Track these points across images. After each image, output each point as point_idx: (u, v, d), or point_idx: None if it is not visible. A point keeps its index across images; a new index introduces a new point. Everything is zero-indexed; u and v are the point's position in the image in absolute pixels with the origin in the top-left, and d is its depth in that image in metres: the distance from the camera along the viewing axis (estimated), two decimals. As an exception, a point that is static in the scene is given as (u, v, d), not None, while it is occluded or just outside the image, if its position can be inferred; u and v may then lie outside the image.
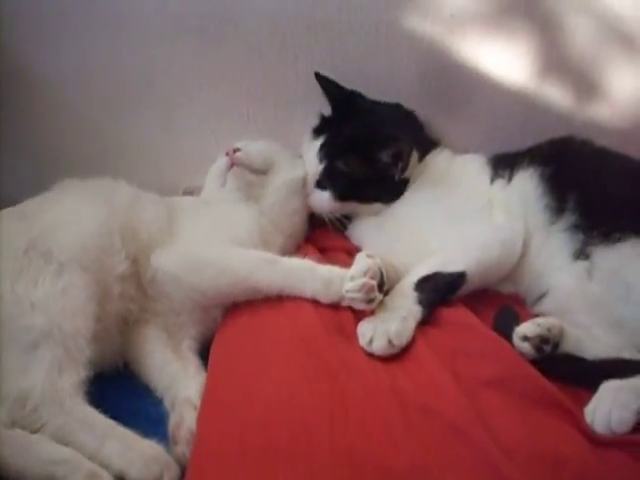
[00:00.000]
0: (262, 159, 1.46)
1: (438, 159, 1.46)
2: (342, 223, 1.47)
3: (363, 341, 1.09)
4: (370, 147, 1.38)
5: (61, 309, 1.08)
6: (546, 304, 1.24)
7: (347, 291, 1.13)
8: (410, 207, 1.40)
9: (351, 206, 1.45)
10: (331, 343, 1.09)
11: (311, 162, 1.45)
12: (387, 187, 1.42)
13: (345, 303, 1.17)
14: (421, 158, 1.45)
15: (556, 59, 1.48)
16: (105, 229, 1.23)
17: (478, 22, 1.45)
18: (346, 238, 1.50)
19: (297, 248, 1.46)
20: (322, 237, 1.51)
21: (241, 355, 1.10)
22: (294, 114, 1.56)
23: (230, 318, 1.21)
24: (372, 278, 1.12)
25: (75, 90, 1.57)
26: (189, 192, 1.56)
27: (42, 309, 1.06)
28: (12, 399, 1.00)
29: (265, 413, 0.96)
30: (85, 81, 1.56)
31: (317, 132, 1.48)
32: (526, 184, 1.32)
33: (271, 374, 1.03)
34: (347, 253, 1.44)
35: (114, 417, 1.04)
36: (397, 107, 1.49)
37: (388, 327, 1.09)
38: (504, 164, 1.39)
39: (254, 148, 1.47)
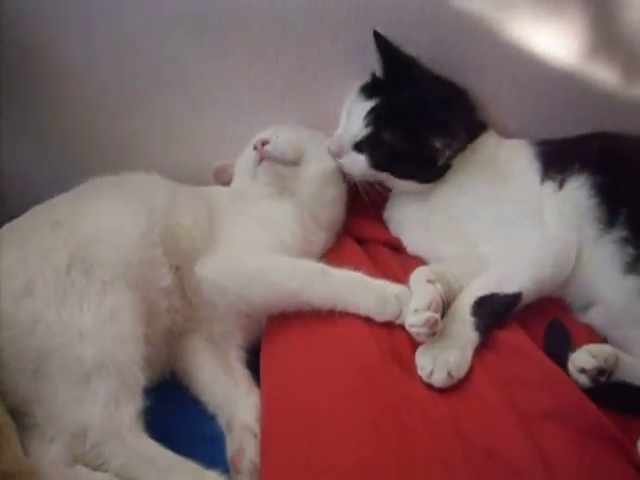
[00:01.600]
0: (292, 150, 1.40)
1: (485, 146, 1.41)
2: (374, 189, 1.43)
3: (423, 373, 1.09)
4: (423, 127, 1.33)
5: (111, 336, 1.05)
6: (594, 316, 1.25)
7: (411, 325, 1.12)
8: (456, 204, 1.37)
9: (384, 177, 1.40)
10: (390, 374, 1.09)
11: (354, 123, 1.38)
12: (426, 168, 1.38)
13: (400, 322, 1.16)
14: (468, 143, 1.40)
15: (605, 38, 1.40)
16: (147, 241, 1.18)
17: (529, 2, 1.36)
18: (384, 227, 1.48)
19: (337, 239, 1.44)
20: (361, 227, 1.48)
21: (297, 381, 1.10)
22: (331, 96, 1.48)
23: (278, 330, 1.20)
24: (436, 311, 1.11)
25: (105, 73, 1.48)
26: (220, 172, 1.52)
27: (91, 338, 1.03)
28: (70, 434, 1.00)
29: (331, 453, 0.97)
30: (115, 63, 1.47)
31: (367, 93, 1.41)
32: (578, 193, 1.28)
33: (333, 409, 1.04)
34: (388, 245, 1.43)
35: (168, 436, 1.04)
36: (451, 85, 1.43)
37: (447, 358, 1.09)
38: (554, 165, 1.34)
39: (283, 139, 1.40)
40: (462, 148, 1.33)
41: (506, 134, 1.48)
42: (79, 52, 1.45)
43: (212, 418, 1.16)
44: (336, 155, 1.40)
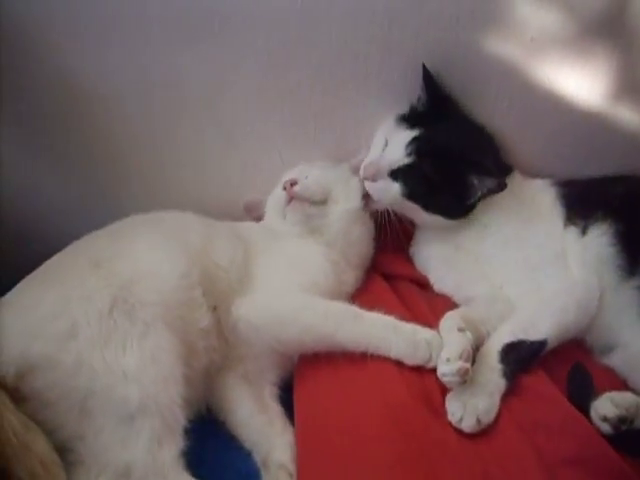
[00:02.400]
0: (320, 190, 1.43)
1: (510, 188, 1.40)
2: (396, 223, 1.45)
3: (453, 419, 1.13)
4: (464, 164, 1.36)
5: (153, 378, 1.08)
6: (615, 359, 1.28)
7: (443, 375, 1.15)
8: (482, 245, 1.41)
9: (410, 208, 1.43)
10: (421, 418, 1.13)
11: (395, 150, 1.39)
12: (455, 204, 1.40)
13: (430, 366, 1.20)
14: (498, 190, 1.40)
15: (630, 81, 1.43)
16: (186, 282, 1.22)
17: (559, 45, 1.39)
18: (411, 263, 1.51)
19: (366, 276, 1.47)
20: (388, 263, 1.52)
21: (330, 424, 1.13)
22: (360, 133, 1.51)
23: (310, 371, 1.23)
24: (467, 360, 1.14)
25: (136, 105, 1.51)
26: (251, 206, 1.55)
27: (135, 379, 1.06)
28: (114, 473, 1.03)
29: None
30: (146, 96, 1.49)
31: (408, 122, 1.42)
32: (601, 241, 1.31)
33: (365, 451, 1.07)
34: (414, 282, 1.47)
35: (204, 471, 1.08)
36: (483, 129, 1.46)
37: (476, 405, 1.13)
38: (577, 209, 1.38)
39: (311, 180, 1.44)
40: (495, 191, 1.35)
41: (531, 173, 1.51)
42: (108, 84, 1.48)
43: (248, 454, 1.21)
44: (370, 179, 1.42)
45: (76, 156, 1.56)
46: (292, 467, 1.14)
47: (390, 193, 1.41)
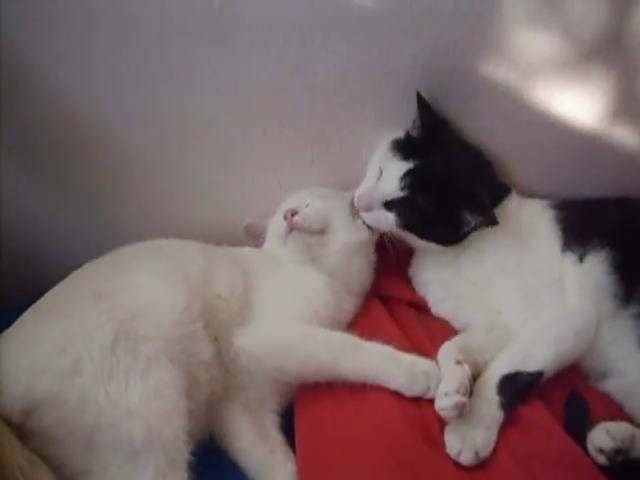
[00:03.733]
0: (320, 221, 1.44)
1: (507, 211, 1.44)
2: (395, 247, 1.47)
3: (452, 452, 1.14)
4: (457, 198, 1.36)
5: (157, 413, 1.09)
6: (610, 386, 1.30)
7: (441, 409, 1.17)
8: (479, 270, 1.42)
9: (406, 235, 1.45)
10: (420, 450, 1.14)
11: (389, 182, 1.40)
12: (449, 233, 1.41)
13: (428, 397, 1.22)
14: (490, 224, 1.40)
15: (628, 102, 1.44)
16: (188, 316, 1.22)
17: (556, 69, 1.39)
18: (409, 285, 1.53)
19: (364, 300, 1.49)
20: (386, 285, 1.53)
21: (330, 454, 1.15)
22: (358, 158, 1.52)
23: (311, 399, 1.25)
24: (464, 395, 1.16)
25: (132, 130, 1.51)
26: (251, 230, 1.56)
27: (139, 415, 1.07)
28: None
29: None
30: (143, 122, 1.50)
31: (402, 152, 1.42)
32: (598, 269, 1.33)
33: (365, 481, 1.10)
34: (413, 305, 1.49)
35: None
36: (479, 154, 1.47)
37: (474, 438, 1.15)
38: (574, 235, 1.39)
39: (311, 209, 1.45)
40: (486, 225, 1.35)
41: (528, 193, 1.52)
42: (112, 111, 1.48)
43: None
44: (364, 210, 1.43)
45: (73, 183, 1.57)
46: None
47: (385, 223, 1.42)
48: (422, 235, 1.42)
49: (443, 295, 1.46)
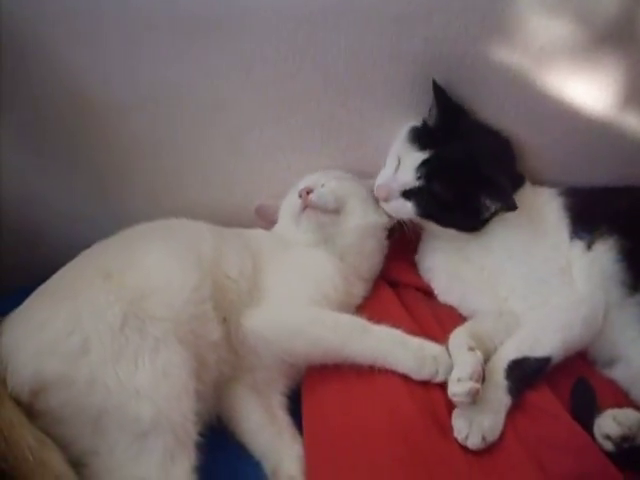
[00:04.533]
0: (335, 200, 1.43)
1: (522, 199, 1.40)
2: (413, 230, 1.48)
3: (459, 437, 1.15)
4: (475, 184, 1.36)
5: (165, 394, 1.09)
6: (617, 373, 1.30)
7: (454, 395, 1.16)
8: (487, 256, 1.41)
9: (427, 223, 1.45)
10: (427, 433, 1.15)
11: (406, 173, 1.40)
12: (470, 220, 1.41)
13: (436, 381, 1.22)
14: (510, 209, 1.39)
15: (639, 89, 1.43)
16: (198, 296, 1.22)
17: (567, 54, 1.38)
18: (418, 273, 1.52)
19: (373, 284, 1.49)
20: (395, 270, 1.53)
21: (338, 437, 1.15)
22: (368, 143, 1.52)
23: (318, 382, 1.25)
24: (477, 381, 1.16)
25: (142, 112, 1.50)
26: (262, 210, 1.56)
27: (147, 396, 1.07)
28: None
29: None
30: (152, 103, 1.49)
31: (419, 142, 1.43)
32: (606, 257, 1.33)
33: (373, 467, 1.10)
34: (420, 290, 1.49)
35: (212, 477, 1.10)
36: (497, 135, 1.46)
37: (482, 422, 1.15)
38: (583, 223, 1.39)
39: (327, 189, 1.44)
40: (507, 210, 1.36)
41: (539, 181, 1.52)
42: (124, 92, 1.48)
43: (258, 464, 1.23)
44: (383, 199, 1.44)
45: (81, 163, 1.57)
46: (301, 479, 1.17)
47: (404, 211, 1.42)
48: (442, 222, 1.42)
49: (449, 281, 1.46)
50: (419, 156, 1.40)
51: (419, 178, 1.39)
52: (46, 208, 1.58)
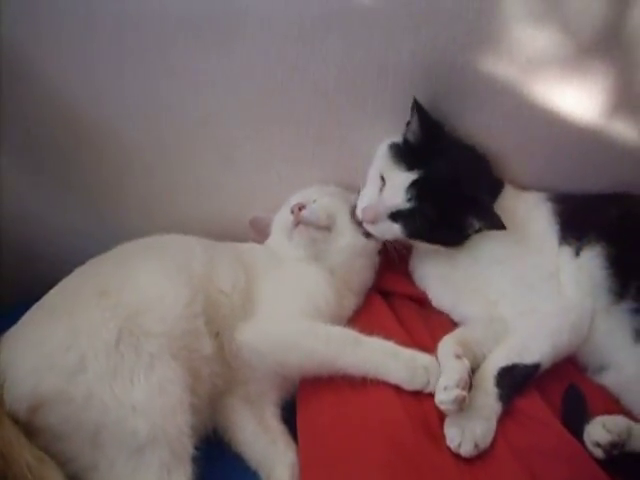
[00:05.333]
0: (326, 217, 1.45)
1: (503, 204, 1.44)
2: (398, 251, 1.48)
3: (452, 445, 1.16)
4: (462, 205, 1.36)
5: (161, 409, 1.11)
6: (607, 379, 1.31)
7: (441, 402, 1.18)
8: (476, 263, 1.43)
9: (415, 242, 1.46)
10: (420, 443, 1.16)
11: (395, 194, 1.38)
12: (455, 236, 1.42)
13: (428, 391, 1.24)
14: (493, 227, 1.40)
15: (627, 97, 1.43)
16: (190, 312, 1.24)
17: (555, 64, 1.39)
18: (409, 280, 1.54)
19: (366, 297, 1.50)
20: (387, 280, 1.54)
21: (333, 449, 1.16)
22: (358, 155, 1.52)
23: (312, 393, 1.27)
24: (464, 388, 1.17)
25: (133, 128, 1.52)
26: (256, 223, 1.57)
27: (143, 412, 1.09)
28: None
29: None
30: (143, 118, 1.51)
31: (404, 161, 1.40)
32: (593, 263, 1.34)
33: (367, 476, 1.11)
34: (413, 299, 1.51)
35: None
36: (474, 151, 1.47)
37: (474, 429, 1.16)
38: (572, 229, 1.40)
39: (319, 205, 1.46)
40: (494, 228, 1.36)
41: (526, 188, 1.53)
42: (114, 109, 1.49)
43: (254, 474, 1.25)
44: (370, 222, 1.41)
45: (75, 180, 1.59)
46: None
47: (391, 233, 1.42)
48: (429, 240, 1.43)
49: (442, 288, 1.47)
50: (408, 176, 1.38)
51: (409, 200, 1.37)
52: (41, 225, 1.60)
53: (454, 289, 1.45)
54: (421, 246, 1.48)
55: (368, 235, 1.46)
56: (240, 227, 1.57)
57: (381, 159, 1.45)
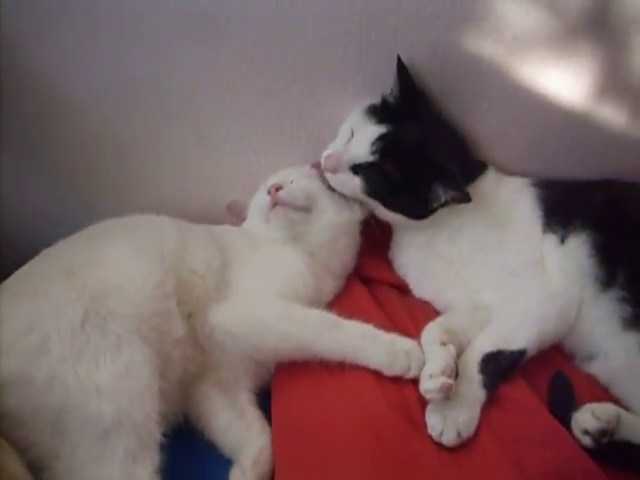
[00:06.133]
0: (305, 197, 1.40)
1: (485, 188, 1.40)
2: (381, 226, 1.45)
3: (433, 433, 1.12)
4: (429, 170, 1.31)
5: (127, 393, 1.06)
6: (596, 368, 1.27)
7: (426, 391, 1.13)
8: (456, 249, 1.38)
9: (372, 203, 1.40)
10: (400, 431, 1.12)
11: (360, 145, 1.34)
12: (416, 206, 1.36)
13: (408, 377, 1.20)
14: (466, 185, 1.35)
15: (613, 80, 1.40)
16: (161, 292, 1.19)
17: (541, 44, 1.36)
18: (390, 267, 1.49)
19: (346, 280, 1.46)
20: (367, 267, 1.50)
21: (308, 434, 1.12)
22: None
23: (288, 379, 1.22)
24: (450, 376, 1.12)
25: (111, 107, 1.48)
26: (233, 207, 1.53)
27: (108, 395, 1.04)
28: None
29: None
30: (123, 98, 1.47)
31: (376, 116, 1.37)
32: (579, 251, 1.30)
33: (344, 465, 1.06)
34: (394, 286, 1.46)
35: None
36: (454, 130, 1.43)
37: (456, 418, 1.12)
38: (556, 216, 1.36)
39: (296, 186, 1.41)
40: (459, 202, 1.31)
41: (509, 172, 1.49)
42: (85, 87, 1.45)
43: (225, 464, 1.19)
44: (330, 170, 1.38)
45: (52, 158, 1.54)
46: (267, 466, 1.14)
47: (350, 187, 1.38)
48: (388, 204, 1.38)
49: (421, 277, 1.43)
50: (376, 129, 1.34)
51: (373, 153, 1.33)
52: (9, 208, 1.54)
53: (435, 278, 1.41)
54: (392, 221, 1.45)
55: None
56: (217, 210, 1.53)
57: (354, 115, 1.42)
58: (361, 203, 1.44)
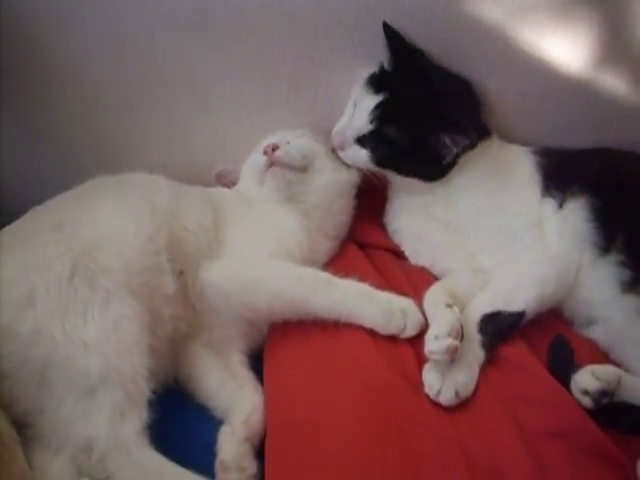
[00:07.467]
0: (302, 157, 1.38)
1: (487, 152, 1.38)
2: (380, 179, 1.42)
3: (431, 392, 1.09)
4: (433, 123, 1.29)
5: (116, 348, 1.04)
6: (596, 333, 1.25)
7: (431, 352, 1.11)
8: (453, 210, 1.36)
9: (386, 172, 1.39)
10: (396, 389, 1.10)
11: (359, 117, 1.34)
12: (431, 165, 1.34)
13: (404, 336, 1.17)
14: (473, 146, 1.33)
15: (614, 46, 1.38)
16: (152, 247, 1.17)
17: (542, 8, 1.34)
18: (385, 232, 1.47)
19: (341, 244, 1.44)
20: (363, 231, 1.48)
21: (301, 394, 1.10)
22: (335, 98, 1.46)
23: (281, 340, 1.20)
24: (456, 338, 1.10)
25: (102, 69, 1.45)
26: (222, 176, 1.50)
27: (96, 349, 1.02)
28: (75, 447, 1.00)
29: (335, 465, 0.98)
30: (113, 60, 1.44)
31: (374, 86, 1.36)
32: (577, 216, 1.28)
33: (338, 422, 1.04)
34: (389, 251, 1.43)
35: (169, 442, 1.03)
36: (459, 79, 1.40)
37: (455, 377, 1.10)
38: (555, 181, 1.34)
39: (293, 146, 1.39)
40: (471, 146, 1.30)
41: (509, 140, 1.47)
42: (76, 48, 1.42)
43: (214, 426, 1.14)
44: (338, 148, 1.38)
45: (43, 120, 1.51)
46: (257, 427, 1.10)
47: (360, 159, 1.37)
48: (402, 171, 1.36)
49: (417, 243, 1.41)
50: (373, 99, 1.34)
51: (372, 121, 1.33)
52: (4, 172, 1.51)
53: (429, 243, 1.39)
54: (399, 187, 1.43)
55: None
56: (211, 175, 1.50)
57: (357, 88, 1.41)
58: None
